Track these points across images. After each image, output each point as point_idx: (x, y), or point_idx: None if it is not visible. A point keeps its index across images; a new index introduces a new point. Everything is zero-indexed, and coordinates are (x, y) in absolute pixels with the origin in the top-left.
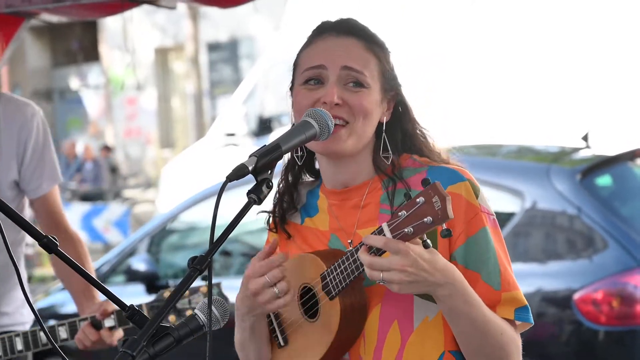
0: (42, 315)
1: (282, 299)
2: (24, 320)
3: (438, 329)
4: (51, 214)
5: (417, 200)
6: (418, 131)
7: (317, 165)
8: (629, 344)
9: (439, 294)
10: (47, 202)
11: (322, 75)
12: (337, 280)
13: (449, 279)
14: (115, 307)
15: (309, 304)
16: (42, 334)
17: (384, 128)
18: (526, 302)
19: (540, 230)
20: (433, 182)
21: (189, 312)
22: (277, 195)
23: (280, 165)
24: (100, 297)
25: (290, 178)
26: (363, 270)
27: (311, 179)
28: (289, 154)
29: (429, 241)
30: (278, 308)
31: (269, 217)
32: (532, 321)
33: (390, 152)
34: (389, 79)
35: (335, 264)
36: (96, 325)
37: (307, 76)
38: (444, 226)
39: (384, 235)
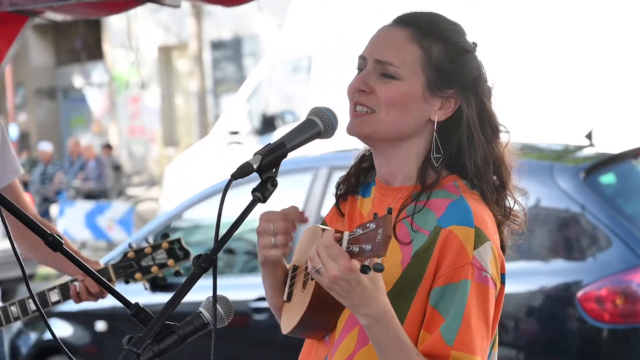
0: (46, 313)
1: (275, 249)
2: None
3: None
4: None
5: (368, 225)
6: (475, 152)
7: None
8: (632, 342)
9: (359, 319)
10: (9, 194)
11: (364, 65)
12: None
13: (372, 313)
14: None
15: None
16: (30, 301)
17: (435, 127)
18: None
19: (543, 228)
20: (388, 215)
21: (154, 269)
22: (347, 173)
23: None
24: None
25: (364, 163)
26: None
27: None
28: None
29: (369, 268)
30: (272, 257)
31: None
32: None
33: (440, 153)
34: (446, 73)
35: None
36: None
37: (357, 64)
38: (379, 260)
39: (342, 241)
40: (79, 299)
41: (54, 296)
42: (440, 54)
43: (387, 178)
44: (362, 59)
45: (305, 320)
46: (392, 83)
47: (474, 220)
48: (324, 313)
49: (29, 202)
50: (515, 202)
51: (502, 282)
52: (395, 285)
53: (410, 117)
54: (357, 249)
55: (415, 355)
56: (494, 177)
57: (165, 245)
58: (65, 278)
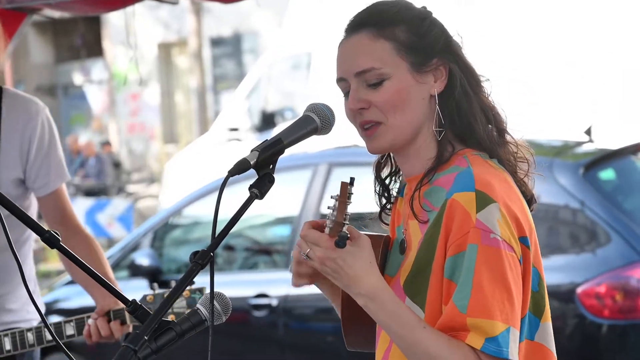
0: (45, 310)
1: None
2: (30, 317)
3: None
4: (59, 212)
5: (332, 195)
6: (473, 109)
7: None
8: (632, 337)
9: (357, 302)
10: (55, 200)
11: (347, 86)
12: None
13: (365, 291)
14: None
15: None
16: (46, 331)
17: (437, 101)
18: (497, 334)
19: (543, 224)
20: (342, 181)
21: (171, 317)
22: (374, 191)
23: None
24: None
25: (382, 171)
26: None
27: None
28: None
29: (340, 243)
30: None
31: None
32: (506, 355)
33: (443, 127)
34: (422, 49)
35: None
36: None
37: (340, 89)
38: (344, 230)
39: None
40: (90, 339)
41: (69, 329)
42: (407, 34)
43: (411, 171)
44: (342, 80)
45: (346, 325)
46: (383, 86)
47: (475, 184)
48: (359, 315)
49: (73, 210)
50: (516, 145)
51: (527, 246)
52: (414, 265)
53: (415, 106)
54: (331, 224)
55: (420, 329)
56: (491, 127)
57: (186, 293)
58: (85, 297)
